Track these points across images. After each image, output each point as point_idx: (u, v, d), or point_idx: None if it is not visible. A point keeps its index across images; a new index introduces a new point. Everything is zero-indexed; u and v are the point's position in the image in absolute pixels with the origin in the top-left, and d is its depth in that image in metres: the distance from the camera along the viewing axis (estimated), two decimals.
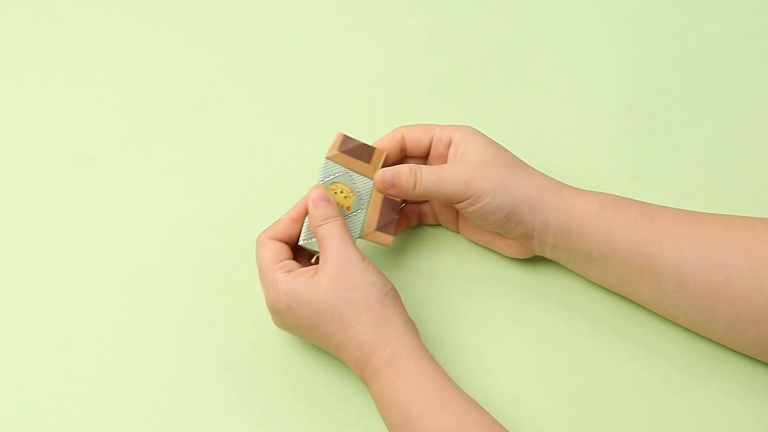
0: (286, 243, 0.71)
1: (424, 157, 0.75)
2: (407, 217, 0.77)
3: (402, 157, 0.74)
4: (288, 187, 0.77)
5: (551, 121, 0.84)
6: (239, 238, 0.78)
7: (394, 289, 0.68)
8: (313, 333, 0.68)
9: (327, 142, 0.81)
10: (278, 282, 0.68)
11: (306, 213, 0.71)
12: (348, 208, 0.72)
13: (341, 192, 0.72)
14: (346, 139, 0.73)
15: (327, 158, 0.72)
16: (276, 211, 0.73)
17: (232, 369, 0.73)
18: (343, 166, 0.73)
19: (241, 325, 0.74)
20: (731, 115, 0.85)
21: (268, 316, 0.74)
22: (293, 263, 0.69)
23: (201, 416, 0.71)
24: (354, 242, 0.68)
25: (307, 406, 0.71)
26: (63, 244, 0.79)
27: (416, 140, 0.73)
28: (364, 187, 0.73)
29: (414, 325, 0.68)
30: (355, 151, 0.73)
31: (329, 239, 0.68)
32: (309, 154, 0.83)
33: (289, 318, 0.68)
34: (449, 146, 0.72)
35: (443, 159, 0.73)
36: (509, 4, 0.92)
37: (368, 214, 0.73)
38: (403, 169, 0.70)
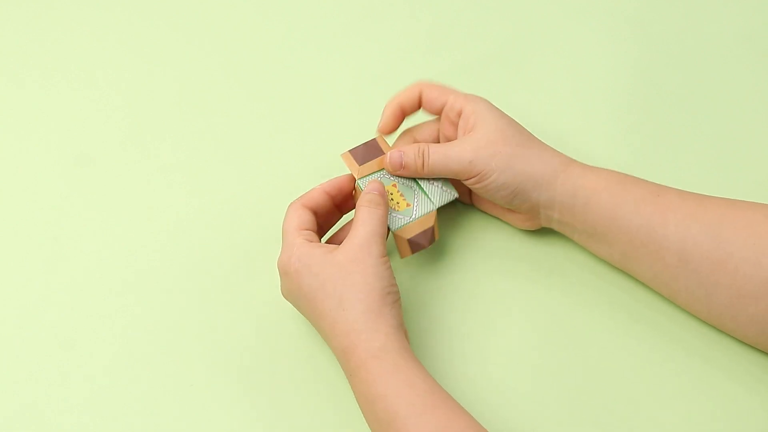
0: (315, 212, 0.72)
1: (436, 115, 0.76)
2: None
3: (417, 110, 0.76)
4: (288, 187, 0.77)
5: (551, 121, 0.84)
6: (239, 238, 0.78)
7: (398, 293, 0.68)
8: (310, 306, 0.68)
9: (327, 142, 0.81)
10: (295, 246, 0.69)
11: (338, 190, 0.72)
12: (396, 210, 0.73)
13: (390, 194, 0.73)
14: (353, 152, 0.74)
15: (357, 179, 0.73)
16: (276, 211, 0.73)
17: (233, 369, 0.73)
18: (374, 172, 0.73)
19: (242, 325, 0.74)
20: (731, 115, 0.85)
21: (269, 316, 0.74)
22: (315, 236, 0.70)
23: (201, 416, 0.71)
24: (385, 237, 0.69)
25: (308, 406, 0.71)
26: (63, 244, 0.79)
27: (431, 100, 0.74)
28: (420, 206, 0.74)
29: (406, 333, 0.69)
30: (368, 154, 0.74)
31: (363, 223, 0.69)
32: (309, 154, 0.83)
33: (293, 284, 0.69)
34: (459, 116, 0.73)
35: (453, 128, 0.74)
36: (509, 4, 0.92)
37: (414, 223, 0.73)
38: (410, 151, 0.72)
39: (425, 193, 0.74)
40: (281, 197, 0.75)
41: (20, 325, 0.75)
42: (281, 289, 0.71)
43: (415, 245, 0.73)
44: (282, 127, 0.85)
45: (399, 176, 0.74)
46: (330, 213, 0.74)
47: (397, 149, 0.73)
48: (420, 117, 0.77)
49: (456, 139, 0.74)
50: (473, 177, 0.71)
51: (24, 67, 0.89)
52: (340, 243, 0.73)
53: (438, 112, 0.75)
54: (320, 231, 0.74)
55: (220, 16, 0.92)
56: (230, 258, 0.78)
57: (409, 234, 0.73)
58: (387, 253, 0.69)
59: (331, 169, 0.76)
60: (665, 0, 0.92)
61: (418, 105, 0.75)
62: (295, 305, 0.71)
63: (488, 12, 0.92)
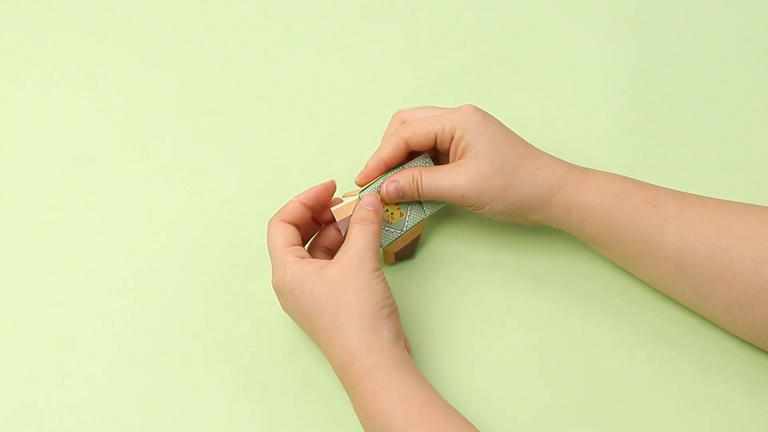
0: (296, 225, 0.71)
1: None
2: None
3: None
4: (288, 187, 0.77)
5: (551, 121, 0.84)
6: (239, 238, 0.78)
7: (394, 304, 0.68)
8: (307, 324, 0.68)
9: (327, 142, 0.81)
10: (287, 265, 0.68)
11: (316, 200, 0.72)
12: (389, 222, 0.74)
13: (385, 205, 0.73)
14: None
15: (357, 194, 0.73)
16: (276, 211, 0.73)
17: (233, 369, 0.73)
18: (371, 183, 0.73)
19: (241, 325, 0.74)
20: (731, 115, 0.85)
21: (268, 316, 0.74)
22: (304, 251, 0.70)
23: (201, 416, 0.71)
24: (378, 251, 0.69)
25: (308, 406, 0.71)
26: (63, 243, 0.79)
27: (421, 144, 0.73)
28: (413, 215, 0.74)
29: (407, 341, 0.69)
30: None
31: (355, 239, 0.68)
32: (309, 154, 0.83)
33: (289, 303, 0.69)
34: (452, 140, 0.72)
35: (447, 150, 0.73)
36: (509, 4, 0.92)
37: (404, 237, 0.74)
38: (405, 182, 0.72)
39: (419, 201, 0.74)
40: (281, 197, 0.75)
41: (20, 325, 0.75)
42: (281, 306, 0.71)
43: (401, 257, 0.75)
44: (282, 127, 0.85)
45: None
46: (309, 227, 0.74)
47: (390, 180, 0.72)
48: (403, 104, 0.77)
49: (449, 155, 0.73)
50: (468, 206, 0.72)
51: (24, 67, 0.89)
52: (321, 248, 0.73)
53: (432, 146, 0.74)
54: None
55: (220, 16, 0.92)
56: (230, 258, 0.78)
57: (398, 248, 0.74)
58: (380, 267, 0.68)
59: (331, 168, 0.76)
60: (665, 0, 0.92)
61: (403, 156, 0.73)
62: (294, 321, 0.71)
63: (488, 12, 0.92)
